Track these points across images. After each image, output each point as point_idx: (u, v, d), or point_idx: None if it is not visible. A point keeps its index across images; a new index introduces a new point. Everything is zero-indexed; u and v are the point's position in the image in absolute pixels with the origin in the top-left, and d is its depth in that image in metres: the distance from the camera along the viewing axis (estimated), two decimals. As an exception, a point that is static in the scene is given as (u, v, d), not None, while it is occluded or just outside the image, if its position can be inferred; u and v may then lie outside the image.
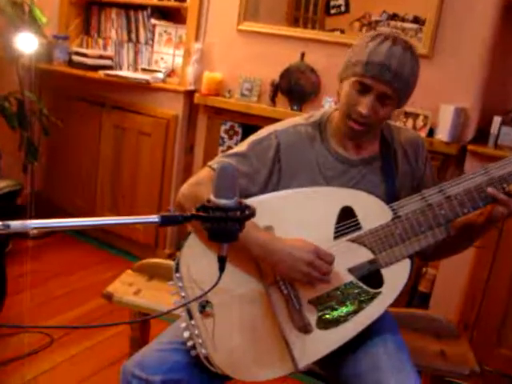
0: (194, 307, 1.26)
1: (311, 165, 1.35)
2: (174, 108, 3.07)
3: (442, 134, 2.36)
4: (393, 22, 2.63)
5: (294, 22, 2.92)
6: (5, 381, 2.03)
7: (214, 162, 1.36)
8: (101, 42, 3.54)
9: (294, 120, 1.41)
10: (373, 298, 1.24)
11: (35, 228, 0.78)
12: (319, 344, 1.24)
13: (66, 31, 3.48)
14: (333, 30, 2.81)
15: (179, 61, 3.21)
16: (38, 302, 2.59)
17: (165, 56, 3.33)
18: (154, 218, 0.84)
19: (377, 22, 2.69)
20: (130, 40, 3.42)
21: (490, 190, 1.21)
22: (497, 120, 2.29)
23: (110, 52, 3.47)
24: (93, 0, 3.51)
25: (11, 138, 3.10)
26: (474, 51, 2.36)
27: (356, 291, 1.25)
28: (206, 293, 0.92)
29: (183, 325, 1.28)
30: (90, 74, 3.24)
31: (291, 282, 1.25)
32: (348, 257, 1.25)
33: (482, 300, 2.28)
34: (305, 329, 1.24)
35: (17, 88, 3.11)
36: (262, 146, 1.36)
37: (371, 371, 1.21)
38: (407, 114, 2.44)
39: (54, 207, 3.45)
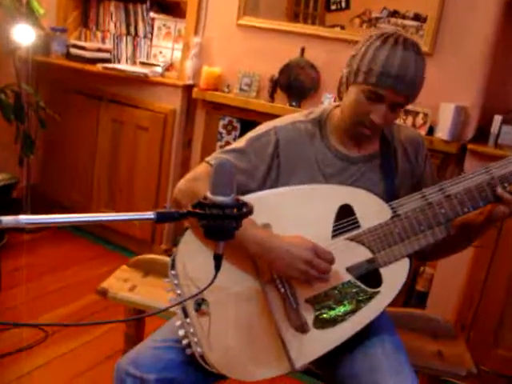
0: (190, 305, 1.25)
1: (310, 161, 1.33)
2: (172, 102, 3.05)
3: (442, 133, 2.35)
4: (393, 19, 2.61)
5: (294, 17, 2.90)
6: (-1, 375, 2.02)
7: (212, 158, 1.34)
8: (99, 34, 3.51)
9: (293, 116, 1.39)
10: (371, 297, 1.23)
11: (28, 224, 0.77)
12: (316, 344, 1.22)
13: (64, 23, 3.45)
14: (333, 26, 2.79)
15: (178, 55, 3.19)
16: (33, 296, 2.58)
17: (163, 50, 3.30)
18: (150, 214, 0.83)
19: (377, 18, 2.67)
20: (128, 33, 3.40)
21: (499, 190, 1.19)
22: (497, 119, 2.28)
23: (108, 45, 3.44)
24: (91, -8, 3.49)
25: (7, 130, 3.07)
26: (476, 49, 2.34)
27: (354, 290, 1.23)
28: (202, 291, 0.91)
29: (178, 323, 1.27)
30: (88, 67, 3.22)
31: (288, 280, 1.24)
32: (346, 255, 1.24)
33: (479, 300, 2.27)
34: (301, 328, 1.22)
35: (14, 80, 3.08)
36: (261, 142, 1.34)
37: (369, 372, 1.20)
38: (407, 112, 2.43)
39: (50, 201, 3.43)
